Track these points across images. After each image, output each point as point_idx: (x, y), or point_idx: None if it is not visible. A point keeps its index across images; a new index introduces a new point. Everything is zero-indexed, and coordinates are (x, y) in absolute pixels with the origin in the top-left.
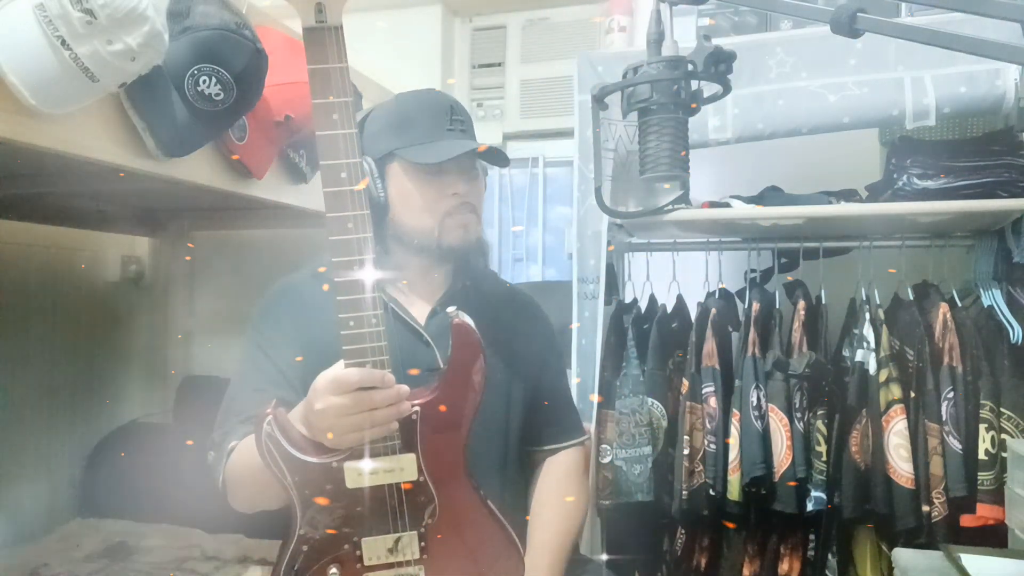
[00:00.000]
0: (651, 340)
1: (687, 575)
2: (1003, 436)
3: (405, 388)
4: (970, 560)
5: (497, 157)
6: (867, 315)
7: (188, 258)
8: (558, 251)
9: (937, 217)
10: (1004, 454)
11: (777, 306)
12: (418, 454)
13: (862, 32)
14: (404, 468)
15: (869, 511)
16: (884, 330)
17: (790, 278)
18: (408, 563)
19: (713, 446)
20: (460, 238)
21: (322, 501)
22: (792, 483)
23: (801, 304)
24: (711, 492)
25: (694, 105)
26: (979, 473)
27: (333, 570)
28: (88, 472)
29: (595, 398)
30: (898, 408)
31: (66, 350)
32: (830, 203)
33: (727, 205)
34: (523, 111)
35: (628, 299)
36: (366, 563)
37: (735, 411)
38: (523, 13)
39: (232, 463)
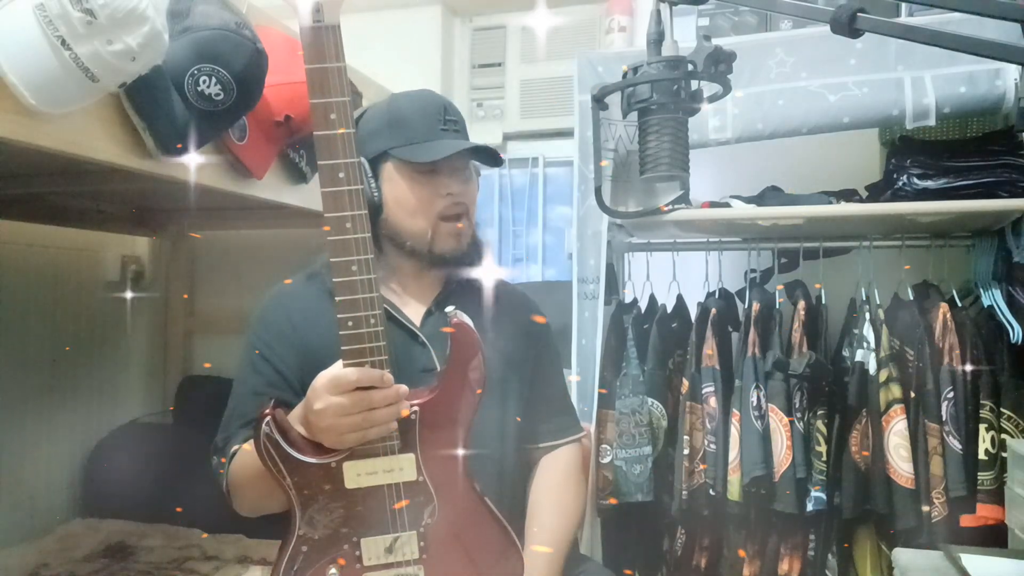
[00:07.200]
0: (651, 340)
1: (687, 575)
2: (1003, 436)
3: (404, 388)
4: (970, 560)
5: (491, 157)
6: (867, 315)
7: (188, 259)
8: (558, 251)
9: (937, 217)
10: (1004, 454)
11: (777, 306)
12: (417, 454)
13: (862, 32)
14: (403, 468)
15: (869, 511)
16: (884, 330)
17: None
18: (407, 563)
19: (713, 446)
20: (452, 247)
21: (321, 501)
22: (792, 483)
23: (801, 304)
24: (711, 492)
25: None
26: (979, 473)
27: (332, 570)
28: (88, 472)
29: (597, 393)
30: (898, 408)
31: (66, 350)
32: (830, 203)
33: (727, 205)
34: (523, 111)
35: (628, 299)
36: (365, 563)
37: (735, 411)
38: (523, 13)
39: (235, 467)
